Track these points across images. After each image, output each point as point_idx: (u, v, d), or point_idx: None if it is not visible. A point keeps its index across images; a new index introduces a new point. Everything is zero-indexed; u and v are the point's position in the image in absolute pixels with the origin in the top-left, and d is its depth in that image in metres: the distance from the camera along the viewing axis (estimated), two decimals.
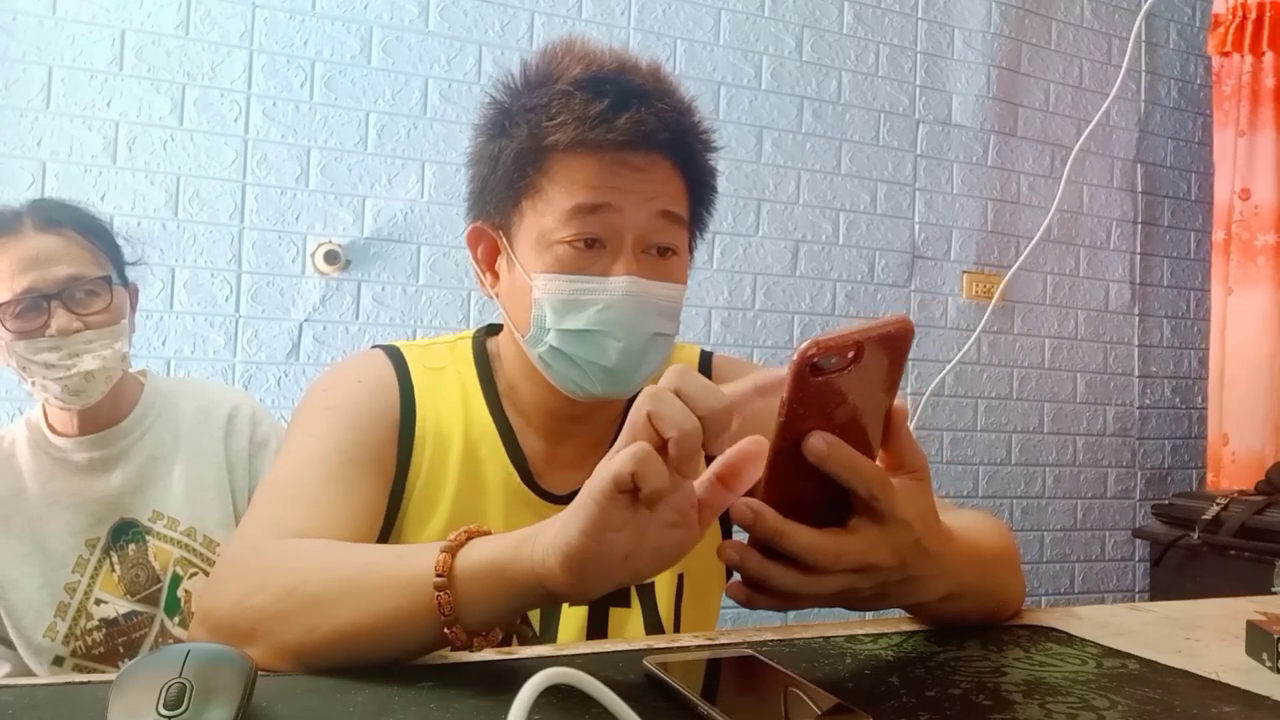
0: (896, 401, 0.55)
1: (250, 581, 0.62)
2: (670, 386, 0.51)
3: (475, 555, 0.56)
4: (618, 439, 0.53)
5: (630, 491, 0.49)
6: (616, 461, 0.50)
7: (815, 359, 0.48)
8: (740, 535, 0.56)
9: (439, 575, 0.55)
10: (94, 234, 1.24)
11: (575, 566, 0.51)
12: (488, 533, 0.58)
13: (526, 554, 0.53)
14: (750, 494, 0.53)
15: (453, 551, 0.56)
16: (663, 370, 0.88)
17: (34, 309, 1.17)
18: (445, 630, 0.55)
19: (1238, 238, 2.60)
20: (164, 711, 0.43)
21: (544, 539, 0.53)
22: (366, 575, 0.59)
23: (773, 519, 0.51)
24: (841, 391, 0.51)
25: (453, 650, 0.58)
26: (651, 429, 0.50)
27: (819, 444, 0.50)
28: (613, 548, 0.50)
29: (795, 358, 0.48)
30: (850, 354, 0.49)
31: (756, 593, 0.54)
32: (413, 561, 0.57)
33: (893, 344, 0.51)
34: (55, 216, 1.21)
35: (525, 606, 0.57)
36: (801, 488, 0.52)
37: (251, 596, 0.61)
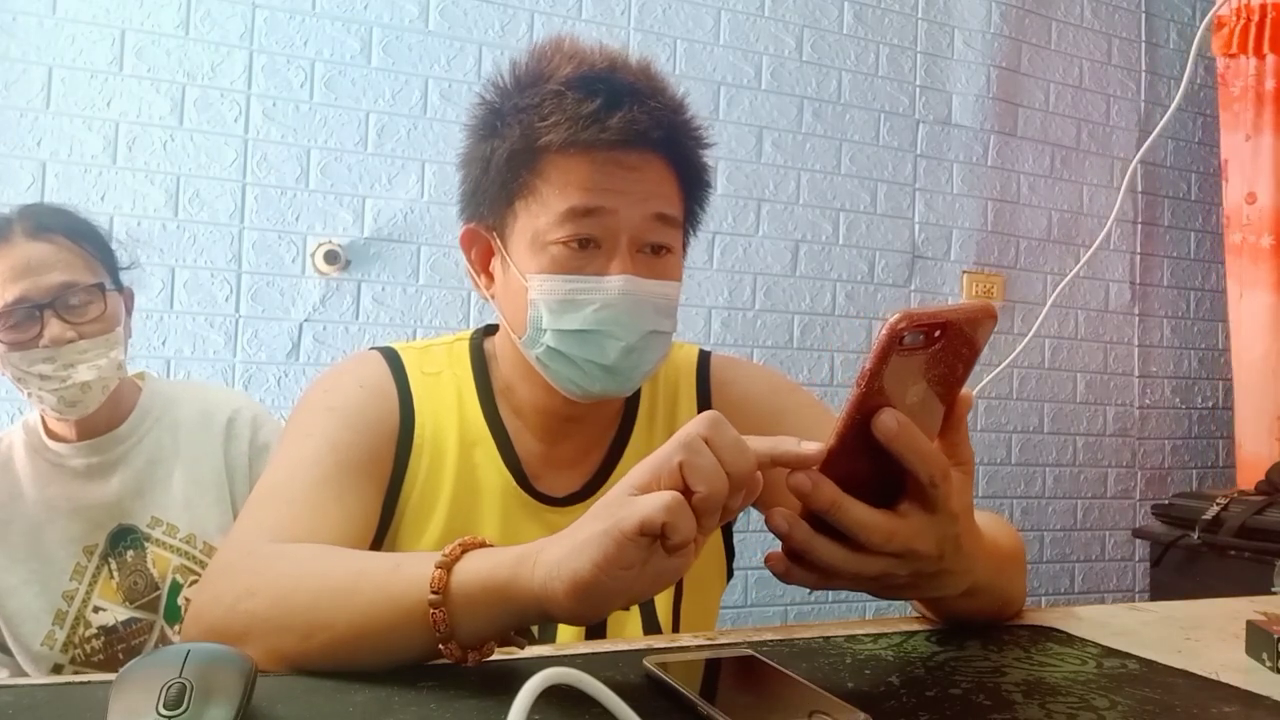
0: (963, 391, 0.54)
1: (243, 585, 0.62)
2: (703, 434, 0.50)
3: (471, 572, 0.55)
4: (635, 468, 0.52)
5: (653, 536, 0.49)
6: (645, 506, 0.49)
7: (904, 332, 0.47)
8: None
9: (434, 592, 0.54)
10: (86, 239, 1.22)
11: (581, 596, 0.50)
12: (483, 543, 0.58)
13: (526, 574, 0.53)
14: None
15: (448, 567, 0.55)
16: (660, 367, 0.89)
17: (27, 319, 1.15)
18: (439, 645, 0.55)
19: (1246, 241, 2.61)
20: (164, 711, 0.43)
21: (546, 561, 0.52)
22: (360, 584, 0.58)
23: (831, 490, 0.50)
24: (918, 370, 0.50)
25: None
26: (680, 478, 0.49)
27: (890, 422, 0.49)
28: (620, 583, 0.50)
29: (884, 330, 0.47)
30: (936, 333, 0.49)
31: (796, 565, 0.53)
32: (407, 573, 0.56)
33: (975, 329, 0.50)
34: (46, 223, 1.19)
35: (521, 624, 0.56)
36: (859, 464, 0.51)
37: (244, 601, 0.61)
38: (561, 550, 0.51)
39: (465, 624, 0.54)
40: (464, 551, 0.56)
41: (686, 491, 0.49)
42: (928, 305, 0.49)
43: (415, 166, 2.09)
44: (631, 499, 0.50)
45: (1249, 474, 2.47)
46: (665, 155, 0.81)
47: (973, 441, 0.57)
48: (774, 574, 0.53)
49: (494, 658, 0.58)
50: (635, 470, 0.52)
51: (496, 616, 0.54)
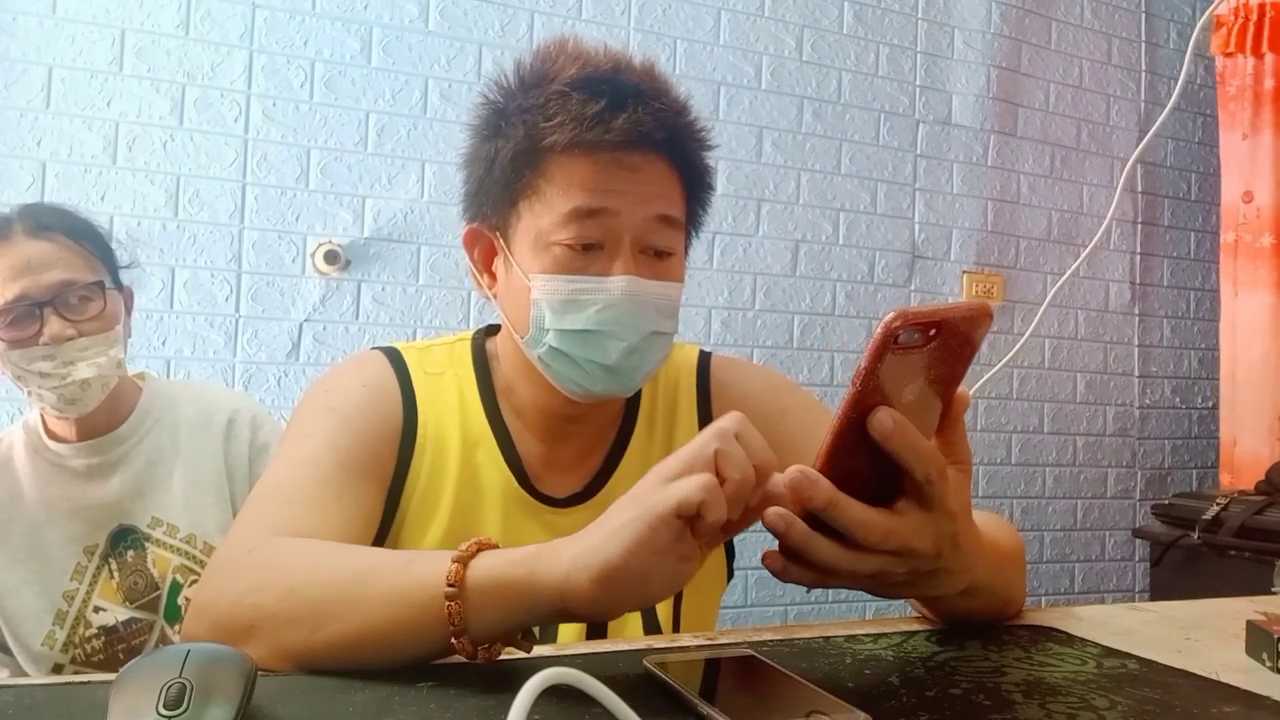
0: (960, 389, 0.54)
1: (247, 580, 0.62)
2: (734, 430, 0.52)
3: (487, 568, 0.55)
4: (666, 461, 0.53)
5: (686, 519, 0.50)
6: (683, 488, 0.50)
7: (899, 331, 0.48)
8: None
9: (450, 585, 0.54)
10: (86, 238, 1.22)
11: (608, 583, 0.51)
12: (495, 545, 0.58)
13: (547, 569, 0.53)
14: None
15: (464, 562, 0.56)
16: (661, 368, 0.89)
17: (27, 316, 1.15)
18: (452, 640, 0.55)
19: (1241, 240, 2.61)
20: (164, 711, 0.43)
21: (572, 553, 0.53)
22: (370, 581, 0.58)
23: (828, 489, 0.50)
24: (914, 369, 0.50)
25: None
26: (715, 465, 0.51)
27: (886, 420, 0.50)
28: (649, 568, 0.51)
29: (880, 328, 0.48)
30: (931, 331, 0.49)
31: (793, 564, 0.53)
32: (420, 570, 0.57)
33: (972, 328, 0.51)
34: (46, 221, 1.19)
35: (535, 621, 0.56)
36: (856, 463, 0.51)
37: (250, 595, 0.61)
38: (591, 540, 0.53)
39: (478, 619, 0.55)
40: (479, 549, 0.57)
41: (719, 479, 0.51)
42: (924, 304, 0.49)
43: (415, 166, 2.09)
44: (665, 485, 0.52)
45: (1246, 474, 2.47)
46: (668, 156, 0.81)
47: (972, 441, 0.57)
48: (771, 572, 0.54)
49: (498, 658, 0.58)
50: (665, 463, 0.53)
51: (510, 612, 0.55)
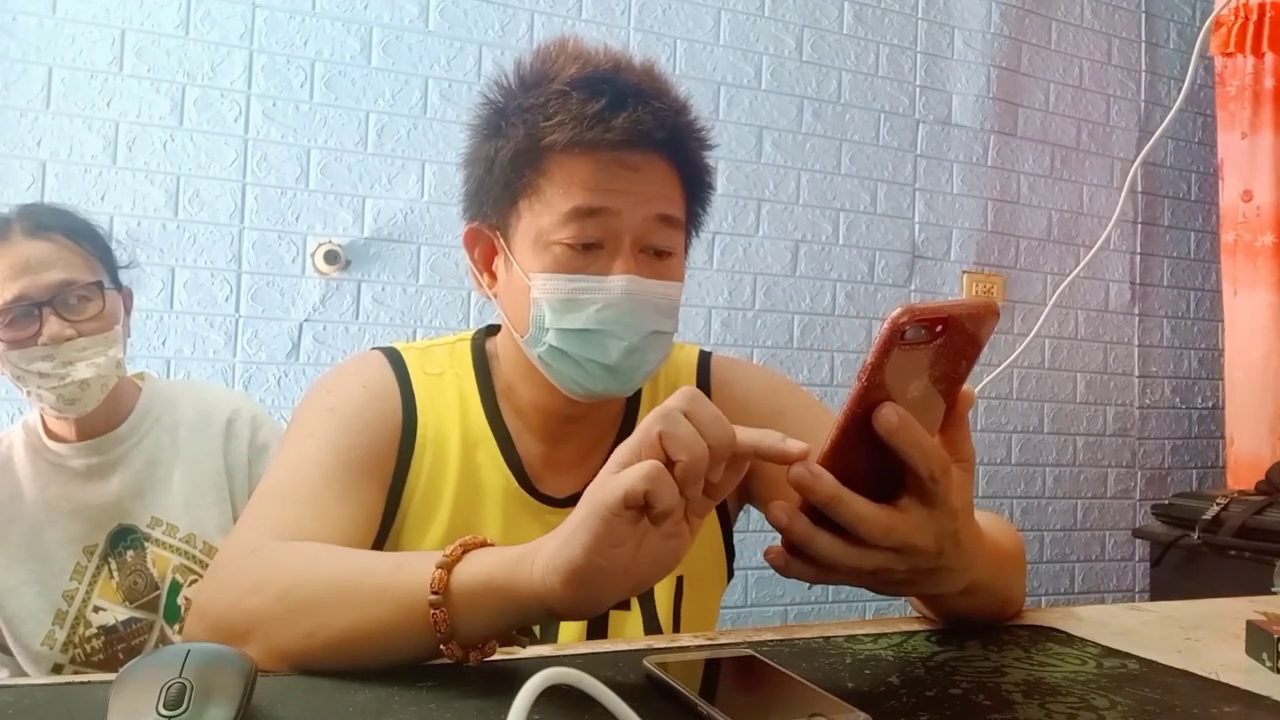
0: (964, 387, 0.54)
1: (246, 582, 0.62)
2: (681, 408, 0.51)
3: (472, 572, 0.55)
4: (617, 449, 0.52)
5: (638, 508, 0.49)
6: (626, 478, 0.49)
7: (906, 326, 0.48)
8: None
9: (434, 593, 0.54)
10: (85, 238, 1.22)
11: (578, 583, 0.51)
12: (484, 543, 0.58)
13: (525, 573, 0.53)
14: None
15: (448, 568, 0.55)
16: (661, 367, 0.89)
17: (26, 316, 1.15)
18: (440, 645, 0.55)
19: (1241, 239, 2.61)
20: (164, 711, 0.43)
21: (543, 556, 0.52)
22: (363, 583, 0.58)
23: (831, 484, 0.50)
24: (920, 366, 0.50)
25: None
26: (661, 449, 0.50)
27: (891, 416, 0.49)
28: (615, 563, 0.50)
29: (887, 324, 0.47)
30: (938, 328, 0.49)
31: (795, 559, 0.53)
32: (409, 572, 0.57)
33: (978, 325, 0.50)
34: (45, 222, 1.19)
35: (523, 623, 0.56)
36: (859, 459, 0.51)
37: (248, 597, 0.61)
38: (556, 542, 0.52)
39: (466, 624, 0.55)
40: (465, 551, 0.57)
41: (669, 463, 0.50)
42: (930, 300, 0.49)
43: (415, 166, 2.09)
44: (613, 476, 0.51)
45: (1245, 473, 2.47)
46: (668, 156, 0.81)
47: (973, 441, 0.57)
48: (773, 567, 0.54)
49: (495, 657, 0.58)
50: (617, 452, 0.52)
51: (498, 616, 0.55)
